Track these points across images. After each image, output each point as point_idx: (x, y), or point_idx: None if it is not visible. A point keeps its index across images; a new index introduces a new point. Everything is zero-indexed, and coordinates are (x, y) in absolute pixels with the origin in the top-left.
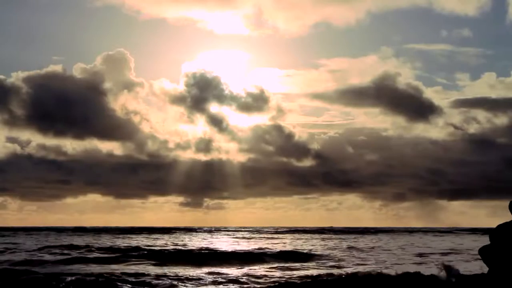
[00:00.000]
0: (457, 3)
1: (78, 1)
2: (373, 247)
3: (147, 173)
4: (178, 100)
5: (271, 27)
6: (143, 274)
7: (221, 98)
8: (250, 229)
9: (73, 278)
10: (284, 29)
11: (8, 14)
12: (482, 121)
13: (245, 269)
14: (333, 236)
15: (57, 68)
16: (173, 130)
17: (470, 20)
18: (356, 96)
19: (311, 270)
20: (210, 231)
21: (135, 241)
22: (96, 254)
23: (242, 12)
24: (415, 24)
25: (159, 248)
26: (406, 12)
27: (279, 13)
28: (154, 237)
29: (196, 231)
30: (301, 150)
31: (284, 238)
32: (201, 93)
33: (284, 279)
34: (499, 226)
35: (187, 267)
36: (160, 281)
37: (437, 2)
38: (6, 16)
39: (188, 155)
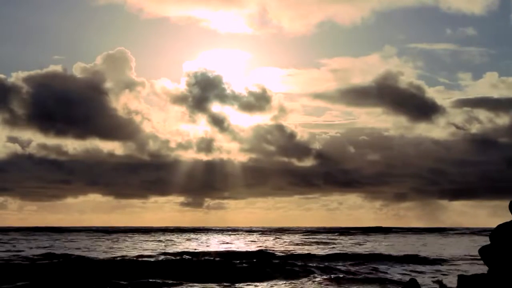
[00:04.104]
0: (464, 2)
1: (79, 0)
2: None
3: (148, 173)
4: (179, 99)
5: (275, 26)
6: None
7: (223, 97)
8: (272, 229)
9: None
10: (289, 28)
11: (9, 13)
12: (484, 121)
13: None
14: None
15: (57, 67)
16: (174, 130)
17: (475, 19)
18: (358, 95)
19: None
20: (232, 230)
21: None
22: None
23: (247, 12)
24: (421, 22)
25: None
26: (412, 11)
27: (284, 12)
28: (182, 237)
29: (212, 232)
30: (302, 150)
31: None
32: (203, 93)
33: None
34: (499, 226)
35: None
36: None
37: (444, 0)
38: (6, 16)
39: (189, 155)
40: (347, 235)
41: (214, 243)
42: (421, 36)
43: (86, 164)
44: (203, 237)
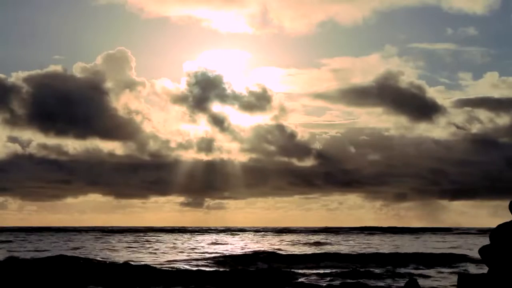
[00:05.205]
0: (465, 2)
1: (80, 0)
2: None
3: (148, 173)
4: (179, 99)
5: (276, 26)
6: None
7: (223, 97)
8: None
9: None
10: (290, 28)
11: (9, 13)
12: (485, 120)
13: None
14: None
15: (57, 67)
16: (174, 130)
17: (476, 19)
18: (358, 95)
19: None
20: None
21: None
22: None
23: (247, 11)
24: (422, 22)
25: None
26: (414, 10)
27: (285, 11)
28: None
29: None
30: (302, 150)
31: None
32: (203, 93)
33: None
34: (499, 226)
35: None
36: None
37: (445, 0)
38: (6, 16)
39: (190, 155)
40: (349, 235)
41: (232, 246)
42: (422, 36)
43: (86, 164)
44: (211, 238)
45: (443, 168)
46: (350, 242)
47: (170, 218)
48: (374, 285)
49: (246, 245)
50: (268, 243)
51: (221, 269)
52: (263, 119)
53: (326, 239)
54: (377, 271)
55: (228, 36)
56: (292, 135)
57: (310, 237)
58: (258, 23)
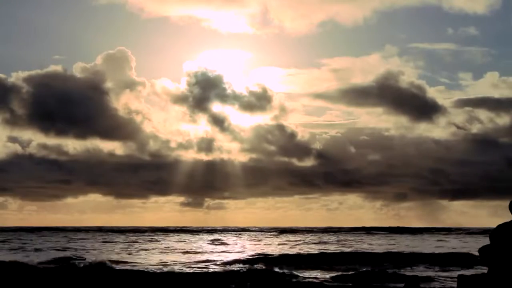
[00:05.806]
0: (466, 1)
1: None
2: None
3: (148, 173)
4: (180, 99)
5: (276, 26)
6: None
7: (223, 97)
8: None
9: None
10: (290, 28)
11: (9, 13)
12: (485, 121)
13: None
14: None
15: (57, 67)
16: (174, 130)
17: (477, 19)
18: (358, 95)
19: None
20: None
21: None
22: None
23: (248, 11)
24: (422, 22)
25: None
26: (414, 10)
27: (285, 11)
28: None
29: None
30: (302, 149)
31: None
32: (203, 93)
33: None
34: (499, 226)
35: None
36: None
37: (446, 0)
38: (6, 16)
39: (190, 155)
40: (350, 235)
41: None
42: (422, 36)
43: (86, 164)
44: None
45: (443, 168)
46: (352, 242)
47: (170, 218)
48: (374, 285)
49: (248, 245)
50: (270, 243)
51: (223, 270)
52: (263, 119)
53: (328, 239)
54: (378, 271)
55: (228, 36)
56: (292, 135)
57: (312, 237)
58: (258, 23)
